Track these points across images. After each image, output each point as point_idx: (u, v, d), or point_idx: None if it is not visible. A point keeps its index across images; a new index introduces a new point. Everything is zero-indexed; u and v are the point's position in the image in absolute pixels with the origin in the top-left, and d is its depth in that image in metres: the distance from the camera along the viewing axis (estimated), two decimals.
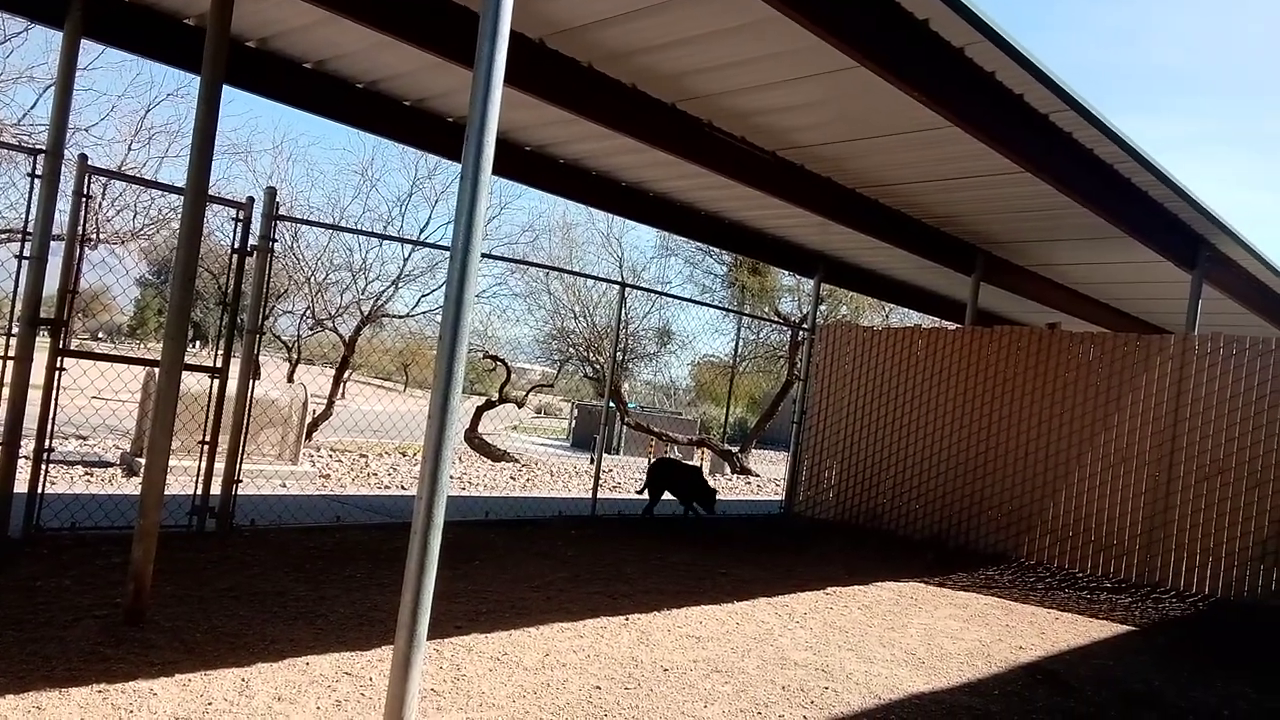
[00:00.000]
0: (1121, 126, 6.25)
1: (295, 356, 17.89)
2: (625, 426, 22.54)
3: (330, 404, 15.82)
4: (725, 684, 4.22)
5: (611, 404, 20.38)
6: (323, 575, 5.39)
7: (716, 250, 22.91)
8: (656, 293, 20.38)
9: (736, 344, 27.68)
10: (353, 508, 7.92)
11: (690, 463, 10.36)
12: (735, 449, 21.65)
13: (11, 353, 5.20)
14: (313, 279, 16.80)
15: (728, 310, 24.02)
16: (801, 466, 11.24)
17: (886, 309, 22.17)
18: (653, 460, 10.66)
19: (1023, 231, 9.38)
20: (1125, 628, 6.60)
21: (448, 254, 3.01)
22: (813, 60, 5.53)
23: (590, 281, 20.41)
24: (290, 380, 15.01)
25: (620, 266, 24.14)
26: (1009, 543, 9.37)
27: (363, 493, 9.24)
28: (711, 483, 10.66)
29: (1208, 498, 8.23)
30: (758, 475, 19.15)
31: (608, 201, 9.21)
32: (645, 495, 9.58)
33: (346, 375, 18.66)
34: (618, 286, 10.34)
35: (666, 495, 9.54)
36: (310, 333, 17.90)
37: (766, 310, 23.48)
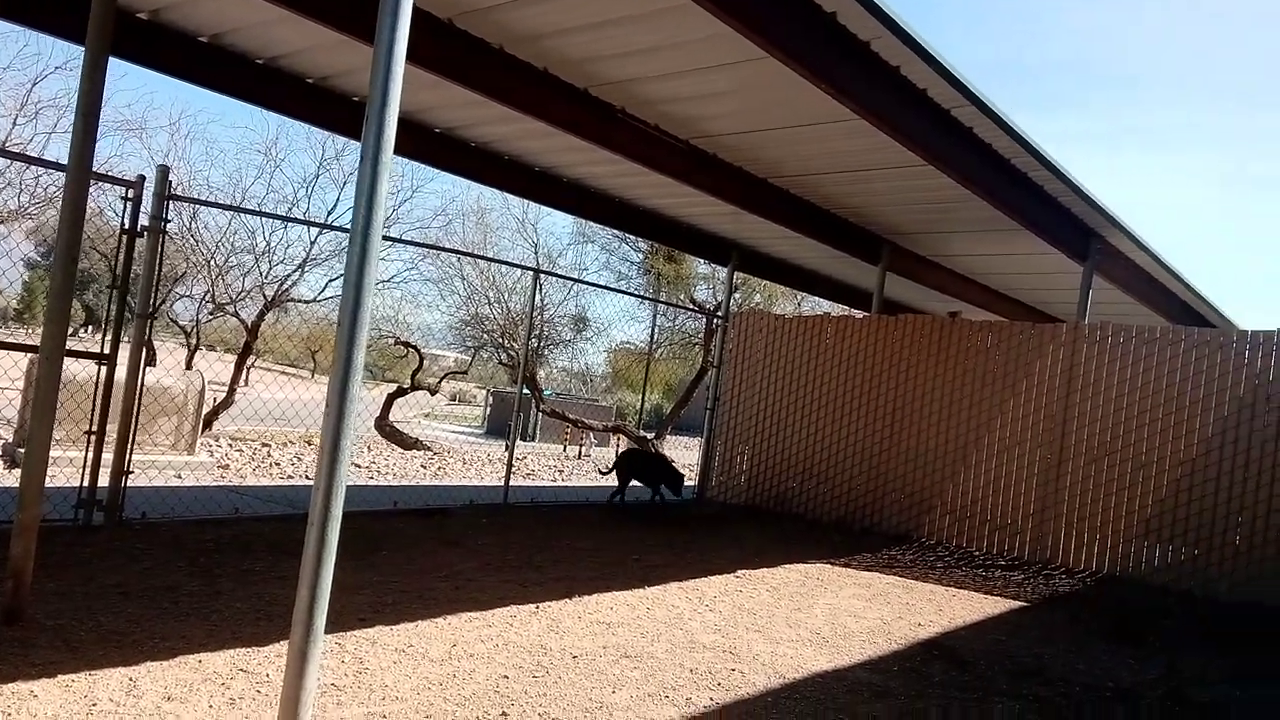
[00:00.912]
0: (1019, 122, 6.49)
1: (194, 342, 17.19)
2: (541, 413, 22.44)
3: (231, 391, 15.26)
4: (634, 669, 4.24)
5: (526, 391, 20.25)
6: (218, 569, 5.20)
7: (633, 237, 22.95)
8: (572, 280, 20.30)
9: (653, 331, 27.77)
10: (253, 499, 7.68)
11: (657, 451, 10.55)
12: (651, 435, 21.79)
13: None
14: (213, 262, 16.14)
15: (643, 298, 24.09)
16: (714, 452, 11.39)
17: (799, 297, 22.57)
18: (620, 450, 10.79)
19: (926, 223, 9.67)
20: (1017, 603, 6.90)
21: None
22: (723, 49, 5.56)
23: (505, 267, 20.20)
24: (188, 367, 14.44)
25: (536, 252, 23.93)
26: (911, 523, 9.69)
27: (264, 483, 8.95)
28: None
29: (1096, 478, 8.66)
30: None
31: (521, 186, 9.10)
32: (614, 481, 9.85)
33: (250, 362, 18.06)
34: (532, 273, 10.25)
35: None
36: (210, 318, 17.22)
37: (682, 297, 23.63)
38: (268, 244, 16.59)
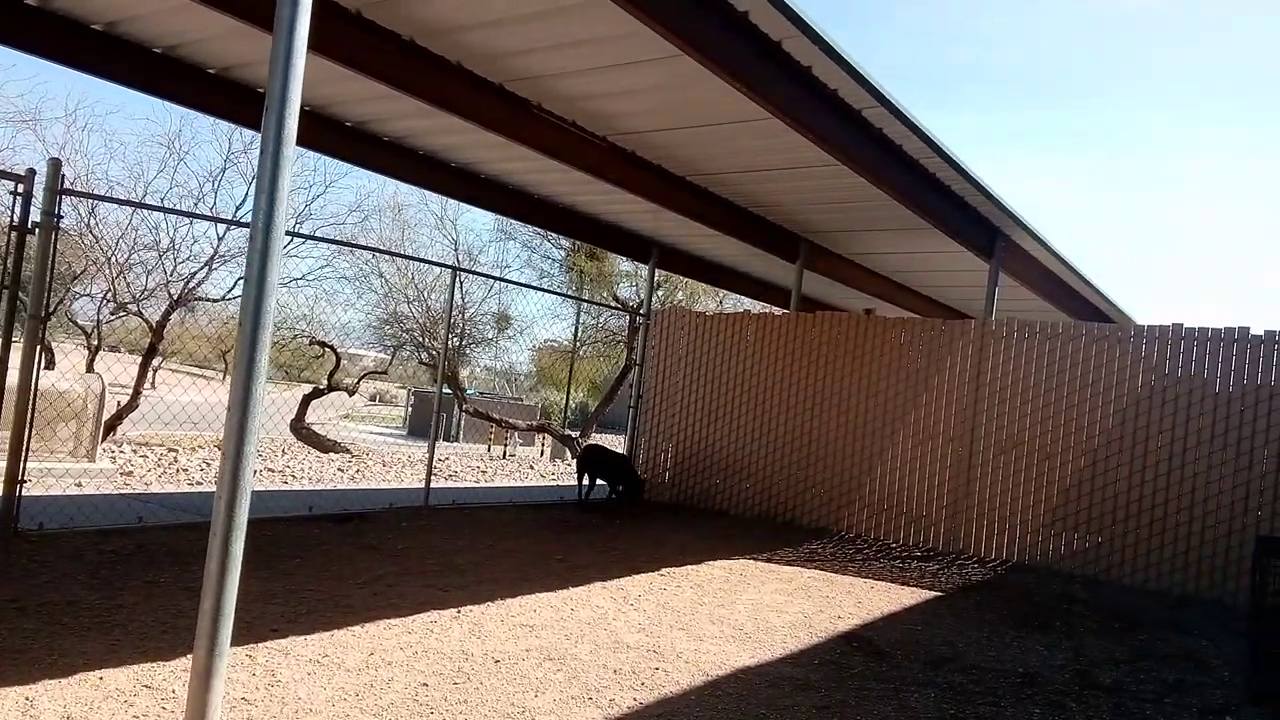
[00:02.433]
0: (927, 123, 6.66)
1: (95, 344, 16.43)
2: (464, 413, 22.13)
3: (135, 395, 14.63)
4: (557, 671, 4.20)
5: (448, 391, 19.95)
6: (121, 581, 4.96)
7: (554, 235, 22.81)
8: (492, 278, 20.05)
9: (576, 329, 27.70)
10: (158, 507, 7.36)
11: (618, 450, 10.60)
12: (576, 434, 21.71)
13: None
14: (113, 259, 15.45)
15: (566, 295, 24.01)
16: (638, 450, 11.40)
17: (721, 294, 22.78)
18: (582, 448, 10.82)
19: (841, 221, 9.86)
20: (933, 593, 7.09)
21: None
22: (639, 47, 5.56)
23: (424, 265, 19.85)
24: (89, 369, 13.78)
25: (455, 250, 23.62)
26: (831, 518, 9.88)
27: (170, 490, 8.59)
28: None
29: (1004, 470, 8.97)
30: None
31: (437, 182, 8.95)
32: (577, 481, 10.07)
33: (155, 363, 17.35)
34: (451, 270, 10.09)
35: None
36: (112, 318, 16.49)
37: (605, 295, 23.60)
38: (172, 240, 15.95)
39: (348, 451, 15.38)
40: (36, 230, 5.78)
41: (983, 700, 4.37)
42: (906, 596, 6.86)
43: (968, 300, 13.75)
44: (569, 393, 28.85)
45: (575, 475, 10.90)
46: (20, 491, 5.78)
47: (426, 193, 20.36)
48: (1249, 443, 7.87)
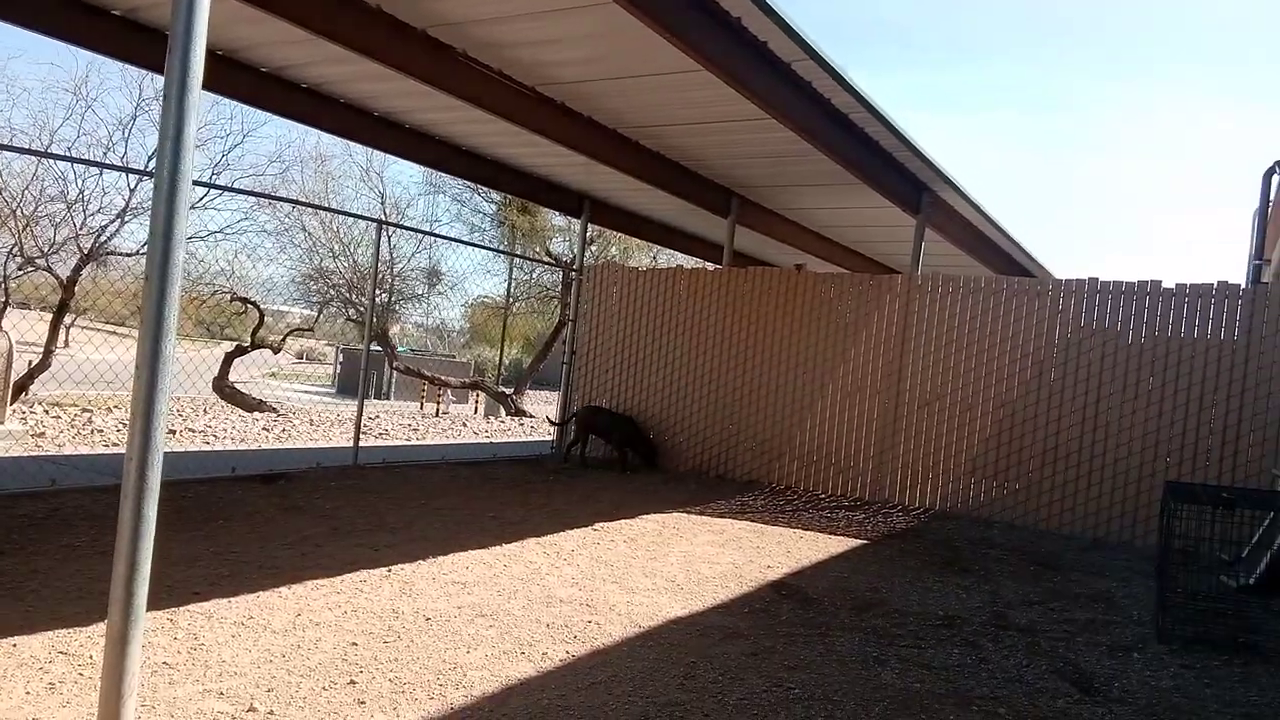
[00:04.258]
0: (858, 79, 6.68)
1: (2, 300, 15.63)
2: (395, 371, 21.78)
3: (47, 354, 14.02)
4: (490, 627, 4.21)
5: (377, 348, 19.59)
6: (34, 546, 4.78)
7: (485, 188, 22.38)
8: (420, 232, 19.66)
9: (509, 285, 27.36)
10: (72, 469, 7.09)
11: (625, 413, 10.54)
12: (510, 391, 21.59)
13: None
14: (19, 211, 14.68)
15: (497, 251, 23.64)
16: (572, 406, 11.38)
17: (654, 250, 22.74)
18: (580, 407, 10.80)
19: (772, 176, 9.87)
20: (859, 542, 7.28)
21: None
22: None
23: (350, 219, 19.33)
24: None
25: (382, 203, 23.03)
26: (762, 470, 10.04)
27: (84, 452, 8.28)
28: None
29: (928, 421, 9.22)
30: (533, 416, 19.23)
31: (359, 132, 8.65)
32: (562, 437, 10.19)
33: (69, 320, 16.63)
34: (377, 224, 9.82)
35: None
36: (19, 273, 15.69)
37: (537, 250, 23.34)
38: (81, 192, 15.22)
39: (274, 410, 15.02)
40: None
41: (904, 642, 4.52)
42: (834, 545, 7.03)
43: (895, 255, 13.97)
44: (503, 350, 28.60)
45: (564, 432, 10.93)
46: None
47: (350, 144, 19.76)
48: (1159, 392, 8.22)
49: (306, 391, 24.30)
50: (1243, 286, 8.25)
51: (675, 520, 7.43)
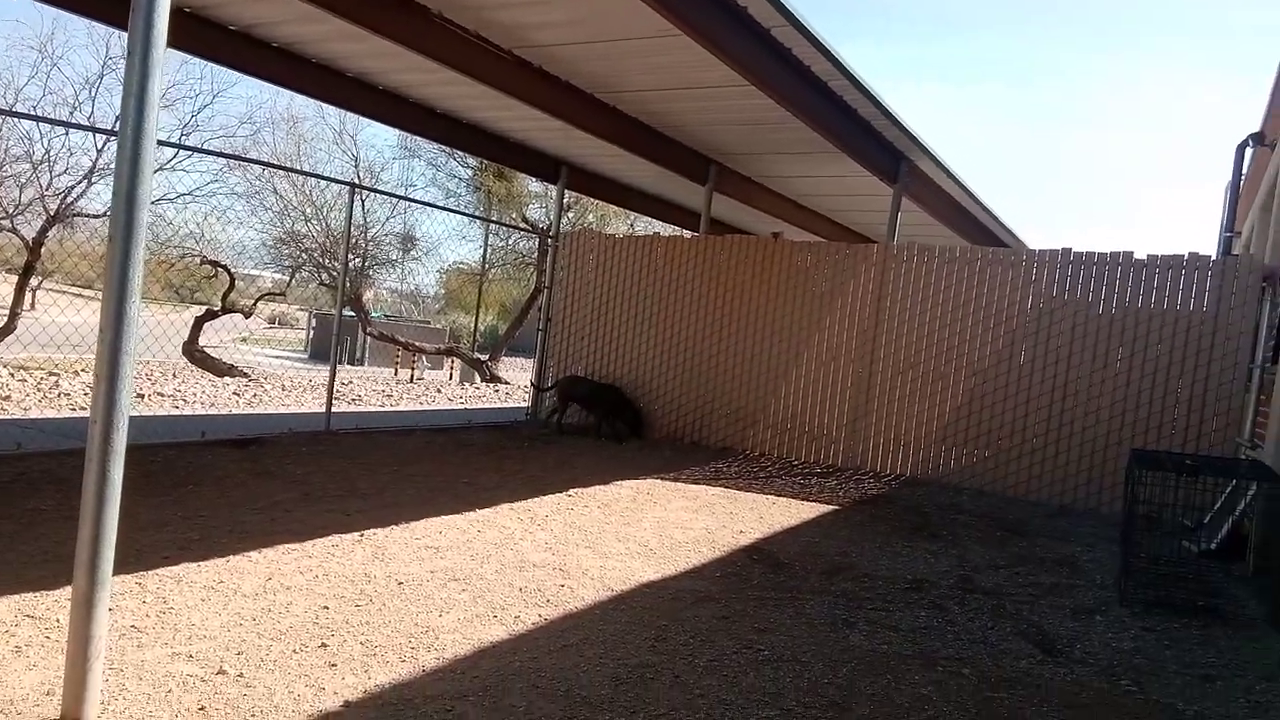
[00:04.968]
0: (839, 47, 6.63)
1: None
2: (368, 336, 21.60)
3: (13, 316, 13.79)
4: (462, 591, 4.21)
5: (350, 313, 19.40)
6: (0, 509, 4.72)
7: (460, 153, 22.10)
8: (394, 196, 19.40)
9: (485, 251, 27.13)
10: (38, 433, 6.99)
11: (610, 382, 10.49)
12: (485, 357, 21.50)
13: None
14: None
15: (473, 216, 23.40)
16: (547, 373, 11.36)
17: (632, 217, 22.61)
18: (562, 376, 10.75)
19: (750, 144, 9.82)
20: (830, 508, 7.36)
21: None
22: None
23: (322, 182, 19.03)
24: None
25: (356, 166, 22.69)
26: (737, 437, 10.10)
27: (51, 416, 8.17)
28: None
29: (901, 390, 9.29)
30: (508, 383, 19.17)
31: (332, 94, 8.49)
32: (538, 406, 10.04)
33: (35, 283, 16.33)
34: (349, 188, 9.67)
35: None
36: None
37: (514, 216, 23.12)
38: (47, 152, 14.87)
39: (245, 375, 14.87)
40: None
41: (873, 605, 4.58)
42: (806, 511, 7.10)
43: (872, 225, 14.00)
44: (478, 316, 28.40)
45: (540, 399, 10.93)
46: None
47: (324, 106, 19.40)
48: (1127, 362, 8.33)
49: (279, 357, 24.05)
50: (1213, 258, 8.34)
51: (649, 486, 7.47)
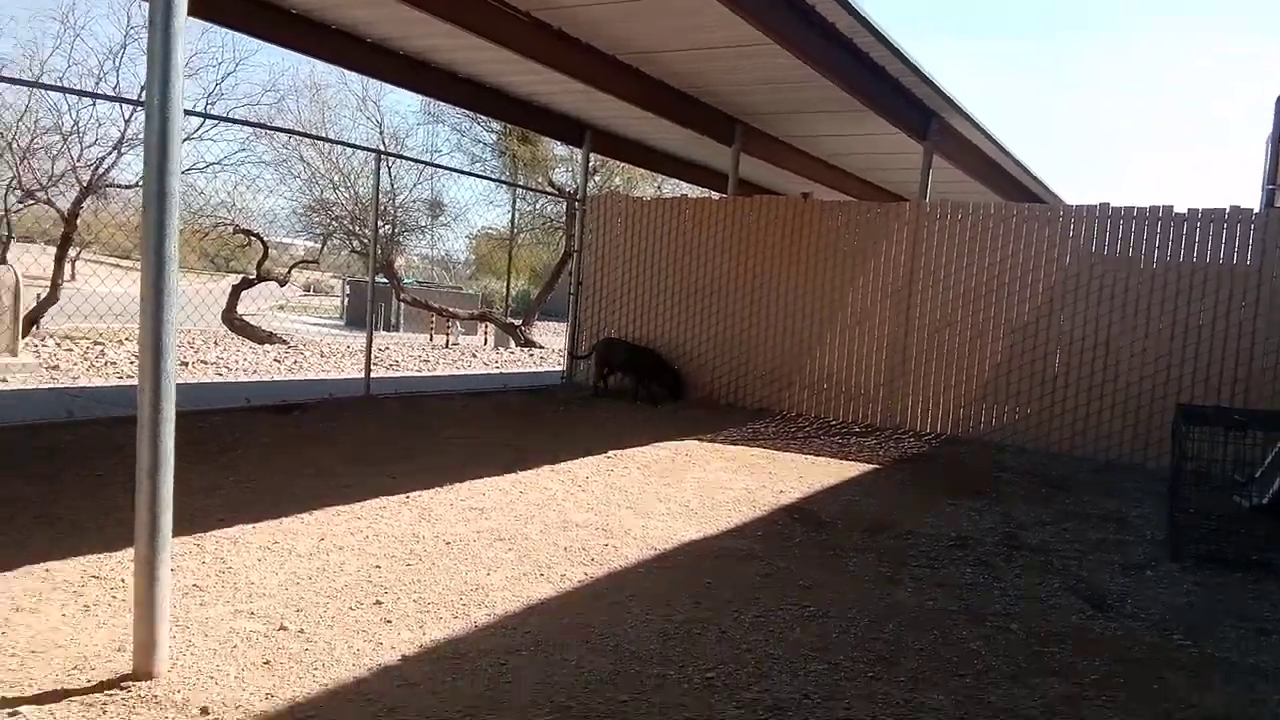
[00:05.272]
0: (862, 2, 6.49)
1: (5, 234, 15.54)
2: (402, 303, 21.74)
3: (54, 287, 14.01)
4: (508, 551, 4.27)
5: (383, 280, 19.52)
6: (58, 476, 4.85)
7: (485, 118, 22.00)
8: (419, 162, 19.36)
9: (513, 216, 27.15)
10: (88, 400, 7.14)
11: (647, 345, 10.47)
12: (518, 322, 21.59)
13: None
14: (14, 144, 14.49)
15: (499, 181, 23.40)
16: (580, 337, 11.38)
17: (659, 180, 22.45)
18: (599, 340, 10.68)
19: (777, 104, 9.67)
20: (870, 467, 7.35)
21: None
22: None
23: (349, 149, 19.07)
24: (2, 261, 13.09)
25: (380, 132, 22.70)
26: (773, 398, 10.08)
27: (99, 384, 8.34)
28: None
29: (939, 348, 9.21)
30: (542, 347, 19.26)
31: (353, 61, 8.45)
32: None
33: (73, 254, 16.57)
34: (375, 155, 9.68)
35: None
36: (21, 206, 15.59)
37: (540, 180, 23.06)
38: (75, 123, 15.00)
39: (284, 342, 15.06)
40: None
41: (917, 562, 4.59)
42: (846, 470, 7.10)
43: (903, 183, 13.78)
44: (509, 281, 28.51)
45: (574, 364, 10.94)
46: None
47: (346, 72, 19.37)
48: (1170, 316, 8.18)
49: (315, 324, 24.30)
50: (1255, 211, 8.14)
51: (687, 448, 7.49)
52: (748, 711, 2.79)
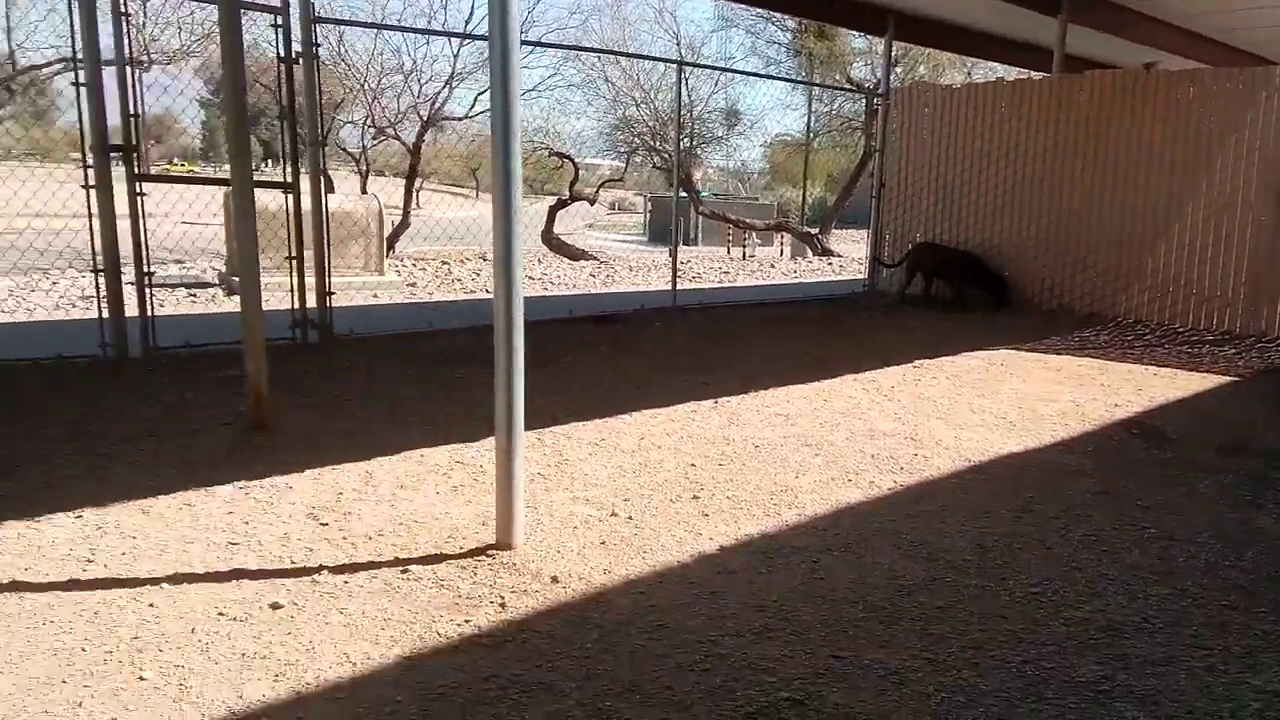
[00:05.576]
0: None
1: (364, 167, 17.89)
2: (700, 216, 22.23)
3: (405, 213, 15.97)
4: (815, 456, 4.34)
5: (683, 194, 20.03)
6: (425, 378, 5.63)
7: (779, 16, 21.41)
8: (717, 69, 19.41)
9: (809, 119, 26.44)
10: (442, 313, 8.14)
11: (961, 248, 10.19)
12: (815, 231, 21.26)
13: (91, 181, 5.31)
14: (365, 84, 16.47)
15: (796, 82, 22.82)
16: (883, 242, 10.97)
17: (969, 65, 20.66)
18: (913, 243, 10.43)
19: None
20: (1227, 379, 6.47)
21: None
22: None
23: (648, 64, 19.50)
24: (363, 192, 15.13)
25: (677, 44, 22.93)
26: (1105, 302, 9.11)
27: (449, 298, 9.47)
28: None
29: None
30: (840, 256, 18.86)
31: None
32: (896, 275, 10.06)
33: (417, 184, 18.71)
34: (675, 66, 9.81)
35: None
36: (375, 142, 17.80)
37: (837, 78, 22.18)
38: (414, 62, 16.69)
39: (594, 259, 16.07)
40: (299, 60, 6.23)
41: None
42: (1195, 383, 6.31)
43: (1270, 43, 11.50)
44: (805, 188, 27.99)
45: (874, 270, 10.72)
46: (330, 303, 6.61)
47: None
48: None
49: (621, 240, 25.63)
50: None
51: (1003, 357, 7.05)
52: (1078, 629, 2.66)
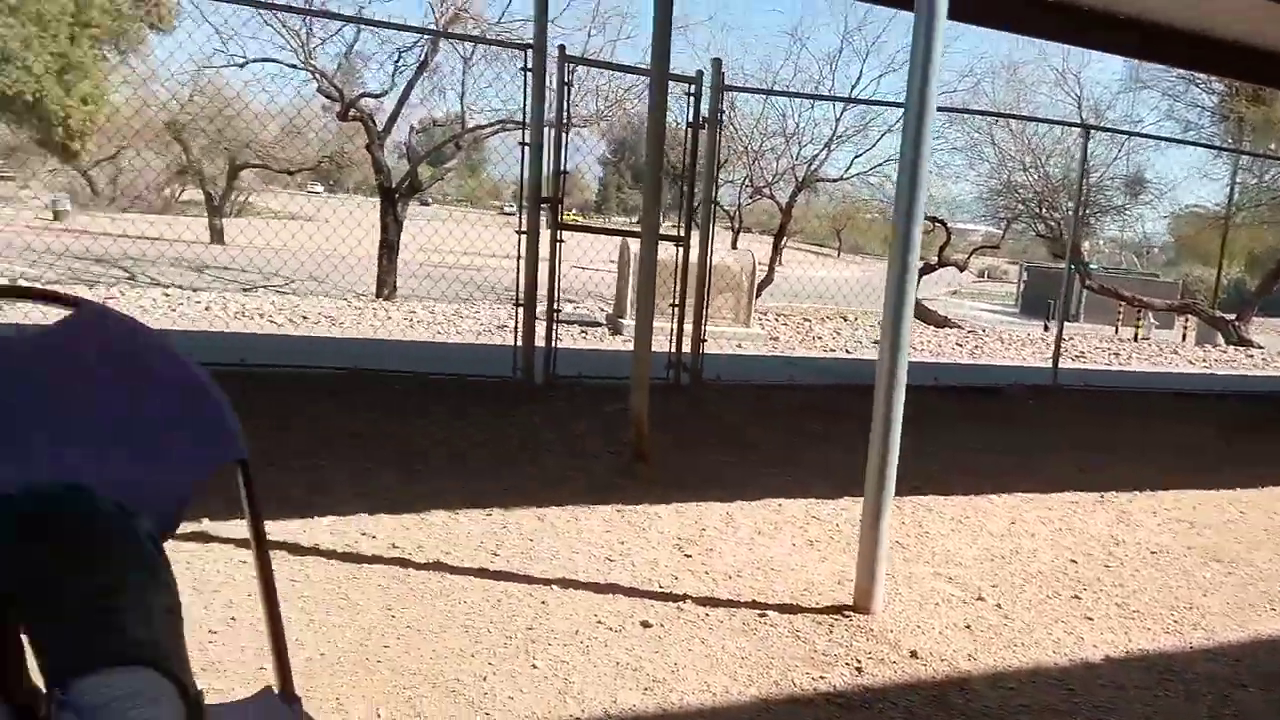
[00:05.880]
0: None
1: (737, 224, 18.79)
2: (1086, 290, 20.29)
3: (771, 269, 16.50)
4: (1227, 575, 3.74)
5: (1071, 265, 18.47)
6: (785, 429, 5.74)
7: (1203, 78, 19.05)
8: (1126, 133, 17.71)
9: (1231, 189, 23.15)
10: (803, 369, 8.25)
11: None
12: (1231, 317, 18.45)
13: (523, 228, 6.16)
14: (749, 147, 17.33)
15: (1221, 149, 20.10)
16: None
17: None
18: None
19: None
20: None
21: (878, 111, 2.91)
22: None
23: (1042, 128, 18.34)
24: (734, 247, 15.90)
25: (1079, 107, 21.27)
26: None
27: (810, 355, 9.57)
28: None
29: None
30: (1261, 348, 16.17)
31: (1068, 32, 8.00)
32: None
33: (783, 242, 19.26)
34: (1078, 129, 9.10)
35: None
36: (750, 201, 18.64)
37: (1273, 146, 19.21)
38: (797, 125, 17.26)
39: (958, 327, 15.34)
40: (704, 125, 6.73)
41: None
42: None
43: None
44: (1220, 267, 24.43)
45: None
46: (702, 350, 7.00)
47: (1046, 46, 18.61)
48: None
49: (989, 310, 24.21)
50: None
51: None
52: None
